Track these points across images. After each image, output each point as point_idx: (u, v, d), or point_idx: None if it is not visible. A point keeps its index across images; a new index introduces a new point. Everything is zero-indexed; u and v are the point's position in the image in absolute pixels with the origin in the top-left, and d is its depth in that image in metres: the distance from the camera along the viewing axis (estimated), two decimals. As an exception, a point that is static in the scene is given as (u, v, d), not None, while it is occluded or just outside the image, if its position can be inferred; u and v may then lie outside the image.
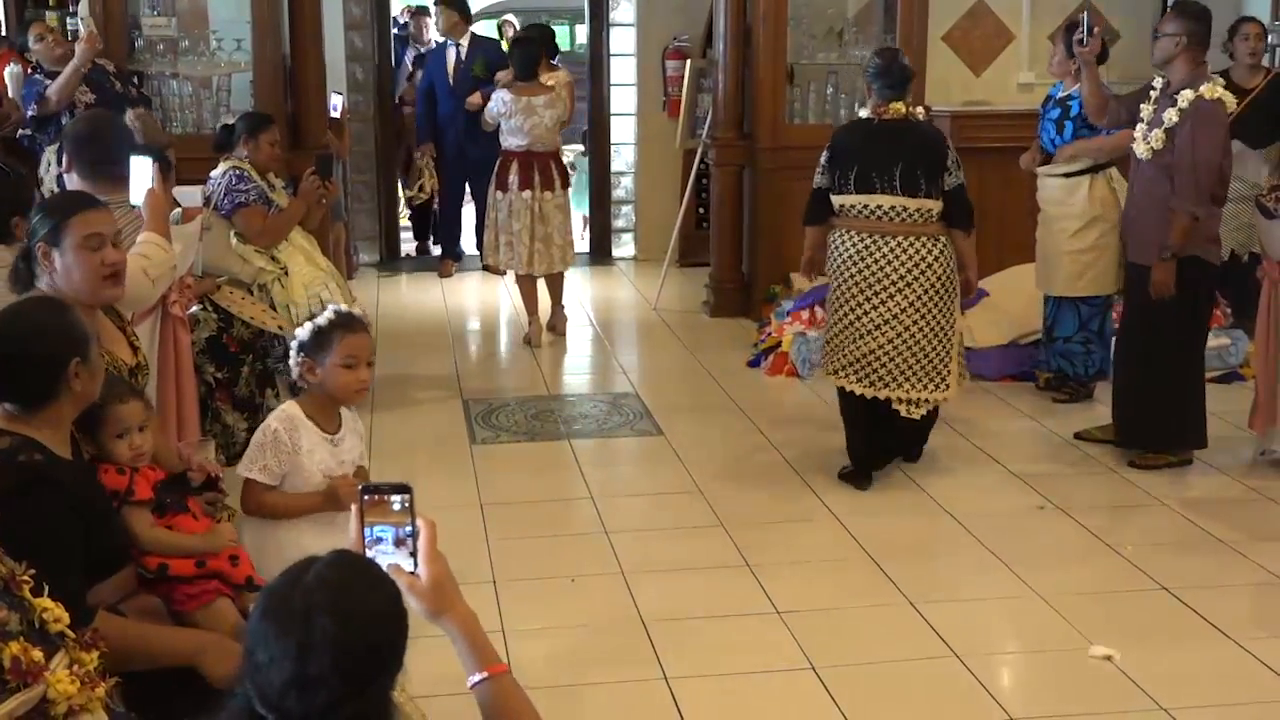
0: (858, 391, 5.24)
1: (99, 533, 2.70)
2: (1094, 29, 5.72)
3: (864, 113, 5.41)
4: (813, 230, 5.47)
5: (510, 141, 7.61)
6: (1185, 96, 5.14)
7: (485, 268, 9.67)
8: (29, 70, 6.89)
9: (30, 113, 6.56)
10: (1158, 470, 5.41)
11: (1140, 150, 5.32)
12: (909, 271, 5.14)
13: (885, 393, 5.20)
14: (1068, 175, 6.17)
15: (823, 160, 5.40)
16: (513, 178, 7.56)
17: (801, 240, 8.15)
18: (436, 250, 10.41)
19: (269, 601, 1.80)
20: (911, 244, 5.14)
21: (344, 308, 3.43)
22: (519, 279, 7.76)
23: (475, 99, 8.98)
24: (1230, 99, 5.22)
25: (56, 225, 3.25)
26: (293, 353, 3.34)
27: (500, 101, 7.59)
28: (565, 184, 7.73)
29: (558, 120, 7.65)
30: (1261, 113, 7.24)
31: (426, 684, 3.58)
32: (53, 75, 6.53)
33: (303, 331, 3.34)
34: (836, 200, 5.30)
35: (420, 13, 11.06)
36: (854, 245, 5.23)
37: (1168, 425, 5.43)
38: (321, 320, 3.33)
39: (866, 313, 5.20)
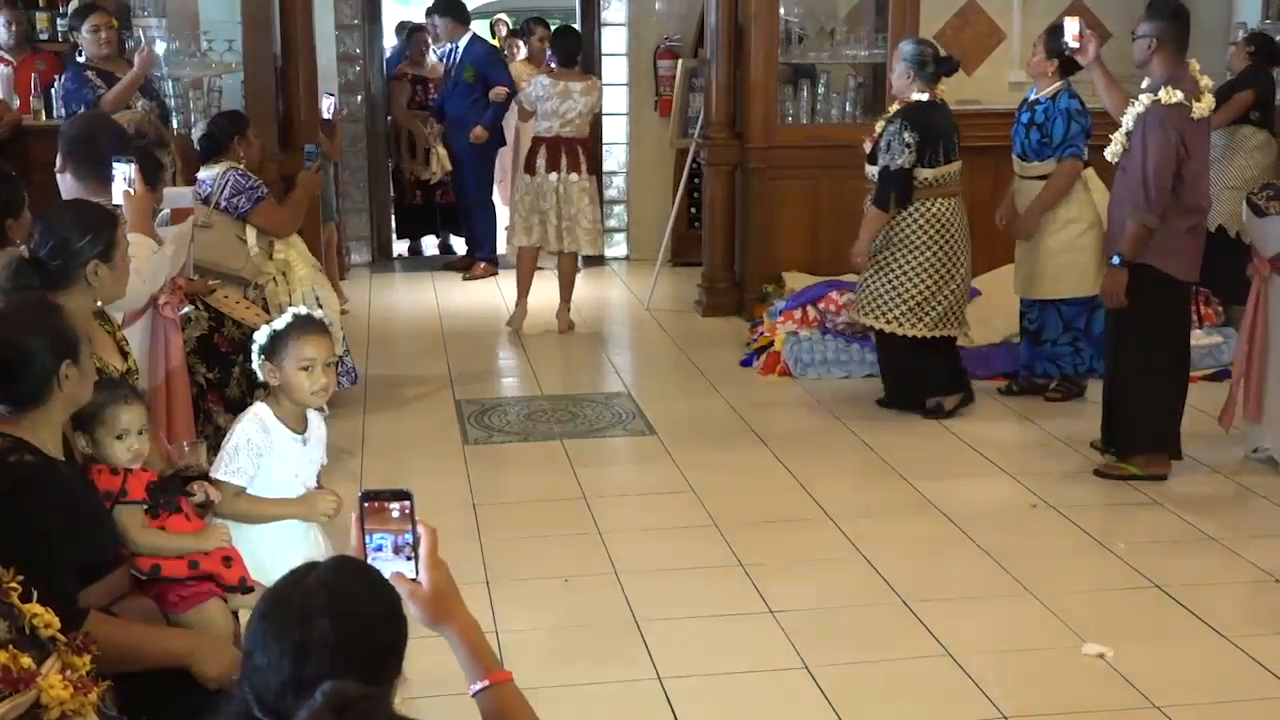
0: (951, 335, 6.11)
1: (91, 534, 2.69)
2: (1082, 30, 5.68)
3: (919, 96, 5.96)
4: (887, 215, 5.98)
5: (541, 125, 7.84)
6: (1144, 100, 5.08)
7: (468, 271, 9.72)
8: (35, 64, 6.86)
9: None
10: (1123, 480, 5.30)
11: (1107, 152, 5.30)
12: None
13: (956, 331, 6.14)
14: (1042, 178, 6.15)
15: (909, 141, 5.87)
16: (540, 161, 7.82)
17: (794, 239, 8.19)
18: (461, 248, 10.43)
19: (269, 604, 1.81)
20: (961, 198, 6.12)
21: (303, 310, 3.45)
22: (521, 252, 7.96)
23: (479, 132, 9.05)
24: (1204, 104, 5.06)
25: (112, 241, 3.33)
26: (255, 356, 3.37)
27: (539, 85, 7.85)
28: (591, 169, 7.95)
29: (591, 108, 7.88)
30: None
31: (425, 685, 3.58)
32: (97, 71, 6.57)
33: (261, 335, 3.36)
34: (928, 174, 5.93)
35: (418, 30, 10.97)
36: (954, 209, 6.02)
37: (1141, 430, 5.33)
38: (279, 324, 3.35)
39: (967, 265, 6.08)
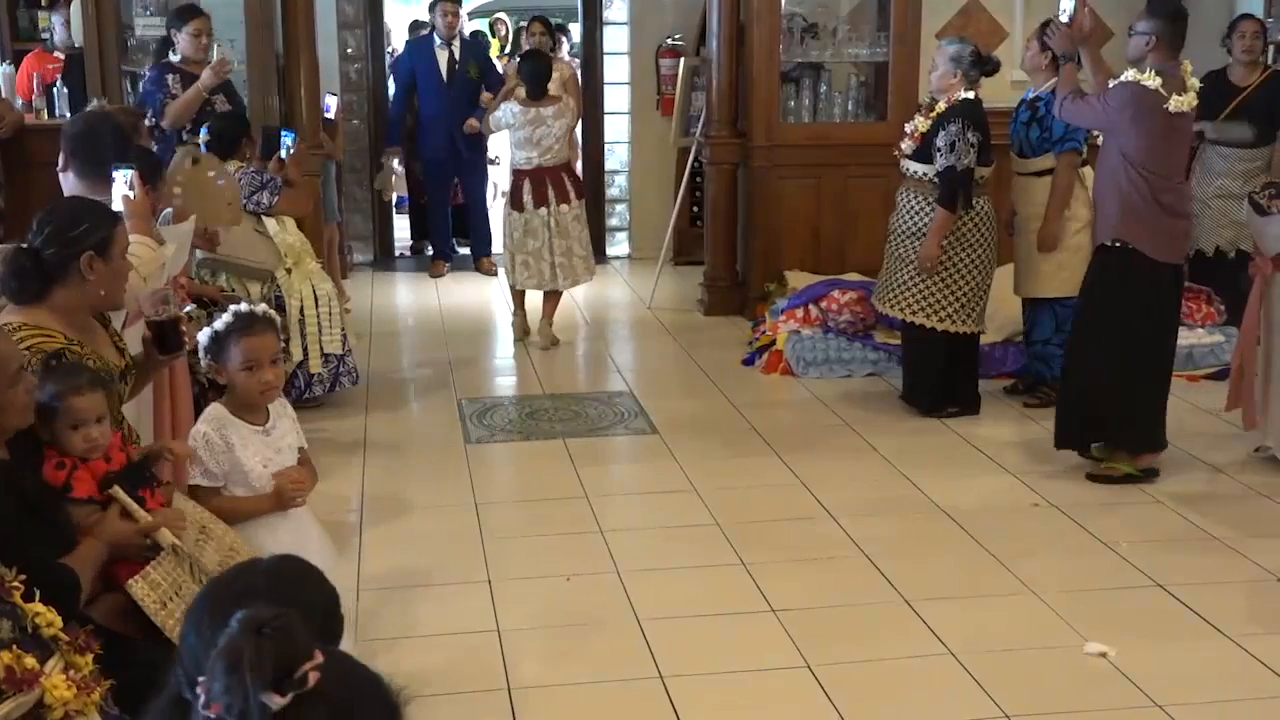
0: (983, 330, 6.23)
1: (44, 523, 2.70)
2: (1078, 7, 5.62)
3: (967, 94, 5.97)
4: (956, 216, 5.94)
5: (518, 156, 7.50)
6: (1124, 78, 5.04)
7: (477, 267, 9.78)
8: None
9: (151, 121, 6.64)
10: (1115, 483, 5.25)
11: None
12: None
13: (984, 328, 6.22)
14: (1040, 173, 6.15)
15: (974, 141, 5.88)
16: (527, 196, 7.44)
17: (796, 238, 8.18)
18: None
19: (210, 588, 1.82)
20: None
21: (245, 308, 3.42)
22: (514, 293, 7.75)
23: (474, 124, 8.97)
24: (1184, 100, 4.97)
25: (109, 238, 3.30)
26: (201, 356, 3.36)
27: (510, 113, 7.46)
28: (580, 195, 7.61)
29: (567, 129, 7.55)
30: (1257, 111, 7.24)
31: (415, 685, 3.58)
32: (181, 74, 6.70)
33: (203, 336, 3.35)
34: (984, 173, 6.00)
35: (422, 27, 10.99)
36: (991, 208, 6.07)
37: (1132, 431, 5.27)
38: (219, 325, 3.33)
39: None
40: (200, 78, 6.60)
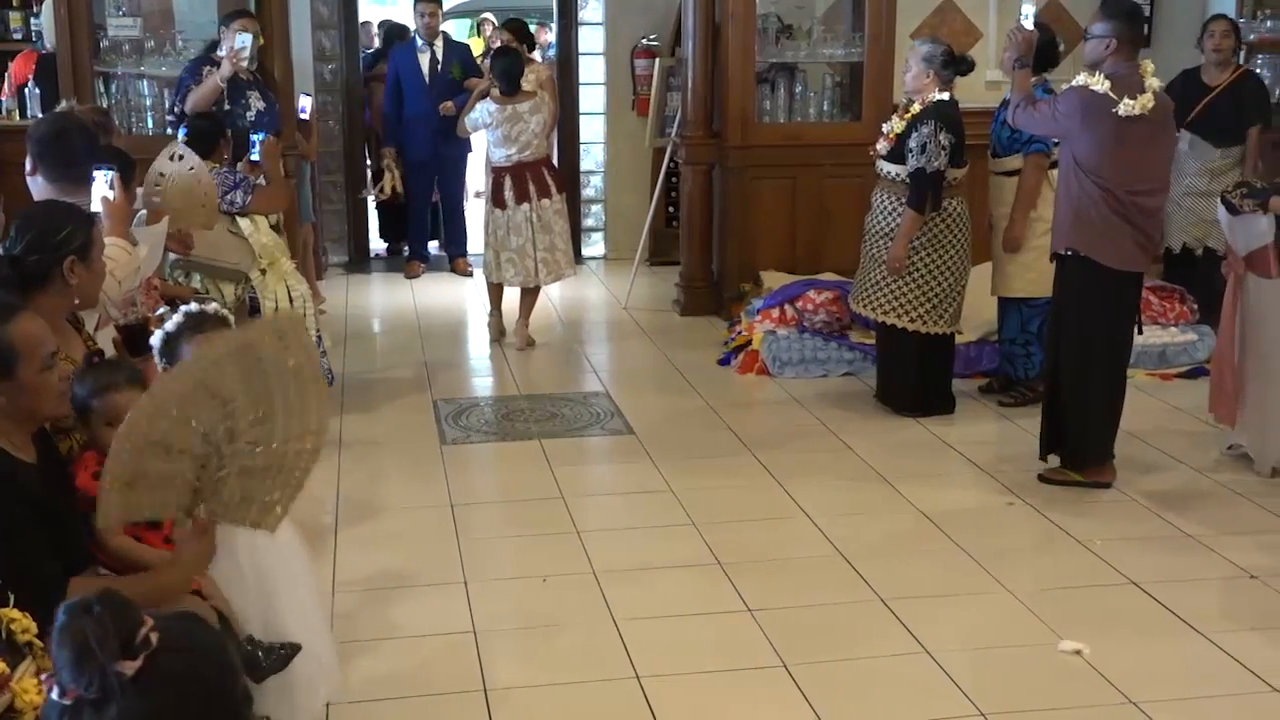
0: (959, 330, 6.22)
1: (54, 534, 2.67)
2: (1039, 25, 5.61)
3: (941, 95, 5.97)
4: (924, 217, 5.93)
5: (497, 154, 7.45)
6: (1074, 83, 5.00)
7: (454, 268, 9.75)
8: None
9: (177, 108, 6.70)
10: (1064, 486, 5.22)
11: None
12: None
13: (960, 327, 6.21)
14: (1009, 173, 6.17)
15: (945, 144, 5.85)
16: (508, 193, 7.40)
17: (772, 238, 8.18)
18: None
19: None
20: None
21: (195, 308, 3.39)
22: (491, 287, 7.74)
23: (449, 105, 8.95)
24: (1139, 103, 4.82)
25: (89, 240, 3.29)
26: (156, 359, 3.34)
27: (486, 112, 7.42)
28: (561, 189, 7.57)
29: (544, 125, 7.51)
30: (1225, 110, 7.30)
31: (384, 688, 3.57)
32: (218, 66, 6.69)
33: (155, 339, 3.33)
34: (956, 174, 5.98)
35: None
36: (965, 208, 6.05)
37: (1089, 441, 5.21)
38: (170, 325, 3.31)
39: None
40: (220, 68, 6.64)
